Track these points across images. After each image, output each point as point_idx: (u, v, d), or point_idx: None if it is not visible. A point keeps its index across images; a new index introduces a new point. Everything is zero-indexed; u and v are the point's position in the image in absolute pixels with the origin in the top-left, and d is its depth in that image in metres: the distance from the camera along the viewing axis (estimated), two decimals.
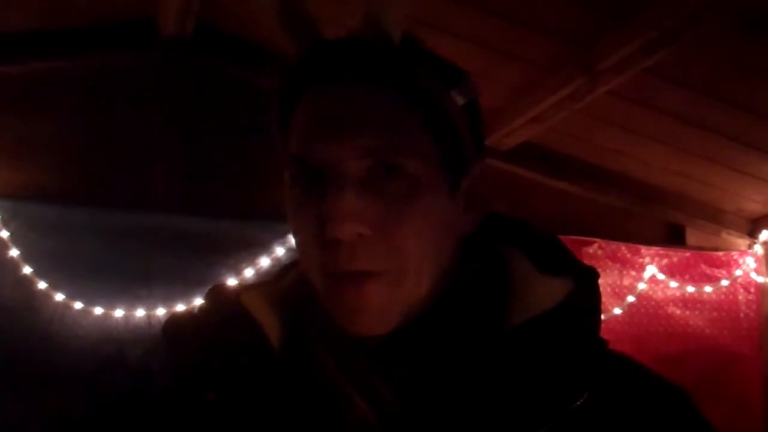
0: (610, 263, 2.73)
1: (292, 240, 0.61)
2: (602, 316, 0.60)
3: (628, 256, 2.76)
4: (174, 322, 0.65)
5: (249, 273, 2.37)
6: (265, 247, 2.40)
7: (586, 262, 0.63)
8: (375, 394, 0.56)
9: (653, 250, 2.79)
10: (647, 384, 0.60)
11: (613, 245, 2.75)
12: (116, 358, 2.22)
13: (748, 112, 2.17)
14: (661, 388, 0.59)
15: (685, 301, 2.77)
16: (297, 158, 0.58)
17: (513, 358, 0.56)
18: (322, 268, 0.57)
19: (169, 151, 2.44)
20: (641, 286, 2.73)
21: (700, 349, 2.73)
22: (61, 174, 2.34)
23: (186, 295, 2.28)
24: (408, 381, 0.56)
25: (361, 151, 0.56)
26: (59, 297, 2.23)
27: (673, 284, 2.75)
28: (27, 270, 2.21)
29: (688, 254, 2.82)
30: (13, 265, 2.21)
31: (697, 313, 2.77)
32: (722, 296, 2.80)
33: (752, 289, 2.83)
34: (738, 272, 2.82)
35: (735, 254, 2.86)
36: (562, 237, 0.65)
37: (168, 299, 2.29)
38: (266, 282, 0.70)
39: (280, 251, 2.39)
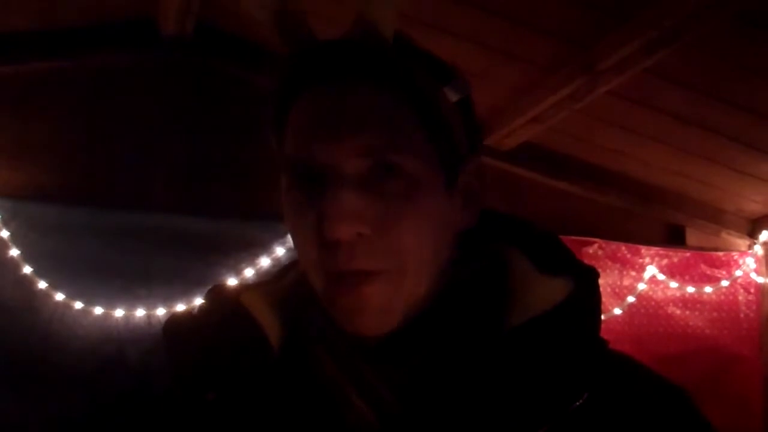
0: (610, 263, 2.73)
1: (291, 240, 0.61)
2: (602, 317, 0.60)
3: (628, 256, 2.76)
4: (174, 322, 0.65)
5: (249, 273, 2.37)
6: (265, 247, 2.40)
7: (586, 262, 0.63)
8: (374, 395, 0.56)
9: (653, 250, 2.79)
10: (647, 384, 0.60)
11: (613, 245, 2.75)
12: (116, 358, 2.22)
13: (748, 112, 2.17)
14: (661, 387, 0.60)
15: (685, 302, 2.77)
16: (295, 159, 0.58)
17: (513, 358, 0.56)
18: (321, 268, 0.57)
19: (169, 151, 2.43)
20: (641, 286, 2.73)
21: (700, 350, 2.73)
22: (61, 174, 2.34)
23: (186, 295, 2.28)
24: (408, 381, 0.56)
25: (359, 151, 0.56)
26: (59, 297, 2.23)
27: (673, 284, 2.75)
28: (27, 270, 2.21)
29: (688, 254, 2.82)
30: (13, 265, 2.20)
31: (697, 313, 2.77)
32: (722, 297, 2.80)
33: (752, 290, 2.83)
34: (738, 273, 2.81)
35: (735, 255, 2.86)
36: (562, 237, 0.65)
37: (168, 299, 2.29)
38: (266, 282, 0.70)
39: (280, 251, 2.39)
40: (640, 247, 2.78)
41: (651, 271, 2.74)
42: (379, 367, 0.57)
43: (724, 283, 2.79)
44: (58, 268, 2.24)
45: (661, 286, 2.76)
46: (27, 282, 2.21)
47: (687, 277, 2.78)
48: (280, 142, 0.61)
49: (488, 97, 2.36)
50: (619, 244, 2.76)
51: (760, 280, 2.83)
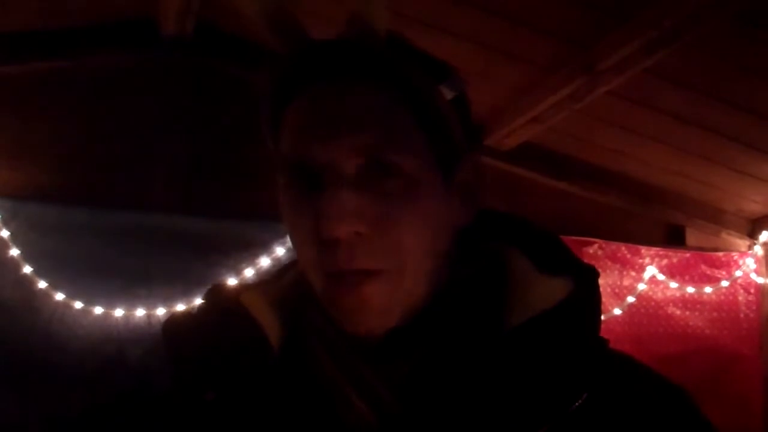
0: (610, 263, 2.73)
1: (290, 240, 0.61)
2: (602, 317, 0.60)
3: (628, 256, 2.76)
4: (173, 321, 0.65)
5: (249, 273, 2.37)
6: (265, 247, 2.40)
7: (586, 262, 0.63)
8: (374, 395, 0.56)
9: (653, 250, 2.79)
10: (647, 383, 0.60)
11: (613, 245, 2.75)
12: (116, 358, 2.22)
13: (748, 112, 2.17)
14: (661, 387, 0.59)
15: (685, 302, 2.77)
16: (292, 158, 0.58)
17: (512, 358, 0.56)
18: (320, 267, 0.57)
19: (169, 151, 2.43)
20: (641, 286, 2.73)
21: (700, 350, 2.73)
22: (61, 174, 2.34)
23: (186, 295, 2.28)
24: (407, 381, 0.56)
25: (356, 150, 0.56)
26: (59, 296, 2.23)
27: (673, 285, 2.75)
28: (27, 269, 2.21)
29: (688, 255, 2.82)
30: (14, 265, 2.20)
31: (697, 313, 2.77)
32: (722, 297, 2.80)
33: (752, 290, 2.83)
34: (738, 273, 2.82)
35: (735, 255, 2.86)
36: (562, 237, 0.65)
37: (168, 299, 2.29)
38: (266, 282, 0.70)
39: (280, 251, 2.39)
40: (640, 247, 2.78)
41: (651, 271, 2.74)
42: (379, 367, 0.57)
43: (724, 283, 2.79)
44: (58, 268, 2.24)
45: (661, 286, 2.76)
46: (27, 282, 2.21)
47: (687, 278, 2.78)
48: (276, 142, 0.61)
49: (488, 97, 2.36)
50: (619, 244, 2.76)
51: (760, 280, 2.83)
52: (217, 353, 0.61)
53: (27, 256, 2.22)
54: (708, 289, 2.77)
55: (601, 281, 0.61)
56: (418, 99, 0.58)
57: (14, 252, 2.21)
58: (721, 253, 2.86)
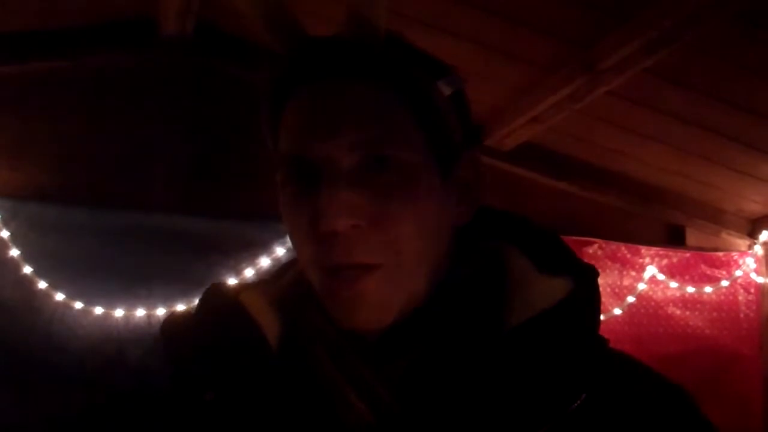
0: (610, 263, 2.73)
1: (289, 237, 0.61)
2: (602, 317, 0.60)
3: (628, 256, 2.76)
4: (172, 321, 0.65)
5: (249, 273, 2.37)
6: (265, 247, 2.40)
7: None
8: (372, 394, 0.56)
9: (653, 250, 2.79)
10: (647, 383, 0.60)
11: (613, 245, 2.75)
12: (116, 358, 2.22)
13: (748, 112, 2.17)
14: (661, 386, 0.59)
15: (685, 302, 2.77)
16: (290, 155, 0.59)
17: (511, 358, 0.56)
18: (318, 262, 0.57)
19: (169, 151, 2.43)
20: (641, 286, 2.73)
21: (700, 350, 2.73)
22: (61, 174, 2.34)
23: (186, 295, 2.28)
24: (406, 380, 0.56)
25: (354, 145, 0.56)
26: (59, 297, 2.23)
27: (673, 285, 2.75)
28: (27, 270, 2.21)
29: (688, 255, 2.82)
30: (14, 265, 2.20)
31: (697, 313, 2.77)
32: (722, 297, 2.80)
33: (752, 290, 2.83)
34: (738, 273, 2.82)
35: (735, 255, 2.86)
36: (562, 237, 0.65)
37: (168, 299, 2.29)
38: (265, 281, 0.70)
39: (280, 251, 2.39)
40: (640, 247, 2.78)
41: (651, 271, 2.74)
42: (378, 367, 0.57)
43: (724, 283, 2.79)
44: (58, 268, 2.24)
45: (661, 286, 2.76)
46: (27, 282, 2.21)
47: (687, 277, 2.78)
48: (275, 141, 0.61)
49: (488, 97, 2.36)
50: (619, 244, 2.76)
51: (760, 280, 2.83)
52: (216, 353, 0.61)
53: (27, 257, 2.22)
54: (708, 289, 2.77)
55: (601, 281, 0.61)
56: (417, 97, 0.58)
57: (14, 252, 2.21)
58: (721, 253, 2.86)
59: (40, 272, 2.22)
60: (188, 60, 2.49)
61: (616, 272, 2.73)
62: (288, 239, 0.62)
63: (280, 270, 0.70)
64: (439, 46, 0.63)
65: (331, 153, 0.56)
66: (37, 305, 2.21)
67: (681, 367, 2.51)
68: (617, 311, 2.67)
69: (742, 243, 2.89)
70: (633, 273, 2.75)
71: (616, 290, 2.71)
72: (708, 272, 2.81)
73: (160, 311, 2.28)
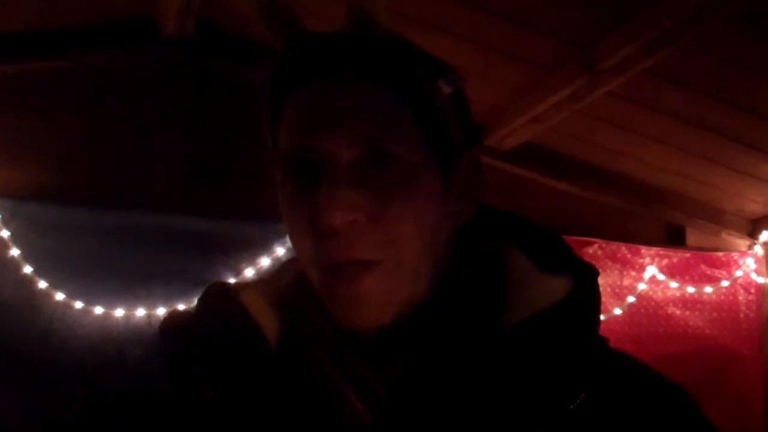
0: (610, 263, 2.73)
1: (288, 236, 0.61)
2: (602, 317, 0.60)
3: (628, 256, 2.76)
4: (172, 320, 0.65)
5: (249, 273, 2.37)
6: (265, 247, 2.40)
7: None
8: (371, 393, 0.56)
9: (653, 250, 2.79)
10: (647, 382, 0.60)
11: (613, 245, 2.75)
12: (116, 357, 2.22)
13: (748, 112, 2.17)
14: (661, 386, 0.59)
15: (685, 302, 2.77)
16: (289, 151, 0.59)
17: (510, 357, 0.56)
18: (317, 260, 0.57)
19: (169, 151, 2.43)
20: (641, 286, 2.73)
21: (700, 350, 2.73)
22: (61, 174, 2.34)
23: (186, 294, 2.28)
24: (404, 379, 0.56)
25: (353, 140, 0.56)
26: (59, 296, 2.23)
27: (673, 285, 2.75)
28: (27, 269, 2.21)
29: (688, 255, 2.82)
30: (14, 265, 2.20)
31: (697, 313, 2.77)
32: (722, 297, 2.80)
33: (752, 290, 2.83)
34: (738, 273, 2.82)
35: (735, 255, 2.86)
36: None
37: (168, 299, 2.29)
38: (265, 280, 0.70)
39: (280, 251, 2.39)
40: (640, 247, 2.78)
41: (651, 271, 2.74)
42: (377, 366, 0.57)
43: (724, 283, 2.79)
44: (58, 268, 2.24)
45: (661, 286, 2.76)
46: (27, 282, 2.21)
47: (687, 278, 2.78)
48: (274, 139, 0.61)
49: (488, 97, 2.36)
50: (619, 244, 2.76)
51: (760, 280, 2.83)
52: (216, 352, 0.61)
53: (27, 256, 2.22)
54: (708, 289, 2.77)
55: (601, 281, 0.61)
56: (417, 96, 0.58)
57: (14, 252, 2.21)
58: (721, 253, 2.86)
59: (40, 272, 2.22)
60: (188, 60, 2.49)
61: (616, 272, 2.73)
62: (288, 239, 0.61)
63: (280, 269, 0.70)
64: (439, 46, 0.63)
65: (331, 148, 0.56)
66: (37, 305, 2.21)
67: (681, 367, 2.51)
68: (617, 311, 2.67)
69: (743, 243, 2.89)
70: (633, 273, 2.75)
71: (616, 290, 2.71)
72: (708, 272, 2.81)
73: (161, 311, 2.28)
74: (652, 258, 2.78)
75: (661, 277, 2.74)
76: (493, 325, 0.58)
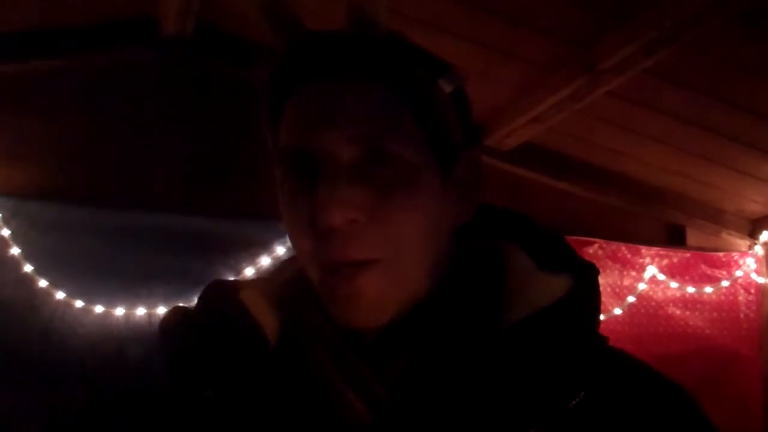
0: (610, 263, 2.73)
1: (288, 234, 0.61)
2: (602, 317, 0.60)
3: (629, 256, 2.76)
4: (171, 318, 0.64)
5: (249, 272, 2.37)
6: (265, 247, 2.40)
7: None
8: (371, 393, 0.56)
9: (653, 250, 2.79)
10: (646, 381, 0.59)
11: (614, 245, 2.75)
12: (117, 356, 2.22)
13: (748, 112, 2.17)
14: (661, 385, 0.59)
15: (686, 302, 2.77)
16: (288, 150, 0.59)
17: (510, 356, 0.55)
18: (317, 259, 0.57)
19: (169, 151, 2.43)
20: (641, 286, 2.73)
21: (700, 350, 2.73)
22: (61, 173, 2.34)
23: (186, 294, 2.28)
24: (404, 379, 0.56)
25: (353, 140, 0.56)
26: (60, 295, 2.23)
27: (674, 285, 2.75)
28: (28, 268, 2.21)
29: (688, 255, 2.82)
30: (14, 264, 2.20)
31: (697, 313, 2.77)
32: (722, 297, 2.80)
33: (752, 290, 2.83)
34: (738, 273, 2.82)
35: (735, 255, 2.86)
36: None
37: (168, 298, 2.29)
38: (265, 279, 0.70)
39: (280, 250, 2.39)
40: (641, 247, 2.78)
41: (651, 271, 2.74)
42: (377, 366, 0.57)
43: (725, 283, 2.79)
44: (58, 267, 2.24)
45: (662, 286, 2.76)
46: (27, 280, 2.21)
47: (687, 278, 2.78)
48: (274, 138, 0.61)
49: (488, 97, 2.36)
50: (619, 244, 2.76)
51: (761, 280, 2.83)
52: (216, 351, 0.61)
53: (27, 255, 2.22)
54: (708, 289, 2.77)
55: (601, 281, 0.61)
56: (417, 95, 0.58)
57: (15, 251, 2.21)
58: (721, 253, 2.86)
59: (40, 271, 2.22)
60: (188, 60, 2.50)
61: (617, 272, 2.73)
62: (288, 238, 0.61)
63: (280, 268, 0.70)
64: (439, 46, 0.63)
65: (330, 146, 0.56)
66: (37, 304, 2.21)
67: (681, 367, 2.51)
68: (617, 311, 2.67)
69: (743, 243, 2.90)
70: (633, 273, 2.75)
71: (617, 290, 2.71)
72: (708, 272, 2.81)
73: (161, 310, 2.28)
74: (653, 258, 2.78)
75: (661, 277, 2.74)
76: (493, 324, 0.58)
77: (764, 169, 2.50)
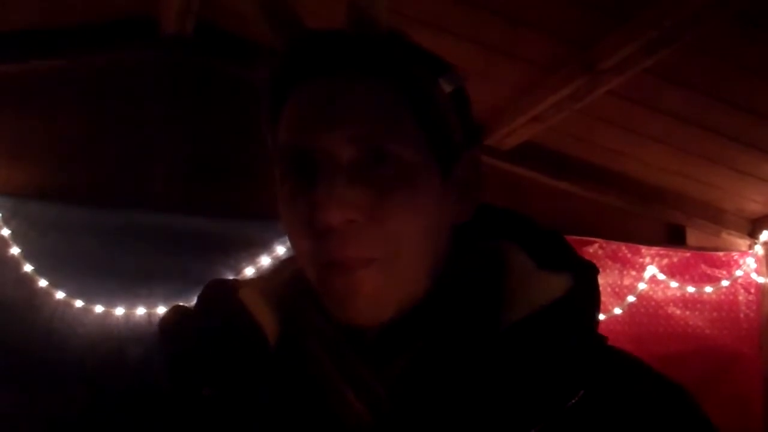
0: (610, 263, 2.73)
1: (286, 233, 0.61)
2: (602, 316, 0.60)
3: (629, 256, 2.76)
4: (171, 318, 0.64)
5: (249, 272, 2.37)
6: (265, 247, 2.40)
7: None
8: (370, 393, 0.56)
9: (653, 250, 2.79)
10: (646, 381, 0.59)
11: (614, 245, 2.75)
12: (117, 356, 2.22)
13: (748, 112, 2.17)
14: (660, 385, 0.59)
15: (686, 302, 2.77)
16: (288, 149, 0.58)
17: (509, 355, 0.55)
18: (314, 258, 0.57)
19: (169, 151, 2.44)
20: (641, 286, 2.73)
21: (700, 349, 2.73)
22: (61, 173, 2.34)
23: (186, 294, 2.28)
24: (404, 379, 0.56)
25: (352, 139, 0.56)
26: (60, 295, 2.23)
27: (674, 284, 2.75)
28: (28, 268, 2.21)
29: (688, 254, 2.82)
30: (14, 263, 2.20)
31: (697, 313, 2.77)
32: (722, 296, 2.80)
33: (752, 290, 2.83)
34: (738, 272, 2.82)
35: (735, 254, 2.86)
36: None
37: (168, 298, 2.28)
38: (264, 278, 0.70)
39: (280, 250, 2.39)
40: (641, 246, 2.78)
41: (651, 270, 2.74)
42: (376, 365, 0.57)
43: (725, 283, 2.79)
44: (58, 267, 2.24)
45: (662, 285, 2.76)
46: (27, 280, 2.21)
47: (687, 277, 2.78)
48: (274, 137, 0.61)
49: (488, 97, 2.36)
50: (619, 243, 2.76)
51: (761, 280, 2.83)
52: (215, 350, 0.61)
53: (27, 255, 2.22)
54: (708, 289, 2.77)
55: (601, 281, 0.61)
56: (418, 94, 0.58)
57: (15, 250, 2.21)
58: (721, 253, 2.86)
59: (40, 270, 2.22)
60: (188, 60, 2.50)
61: (617, 272, 2.73)
62: (287, 238, 0.61)
63: (279, 267, 0.70)
64: (439, 46, 0.63)
65: (330, 146, 0.56)
66: (37, 304, 2.21)
67: (681, 366, 2.51)
68: (617, 311, 2.67)
69: (743, 243, 2.90)
70: (633, 273, 2.75)
71: (617, 290, 2.71)
72: (708, 272, 2.81)
73: (161, 310, 2.28)
74: (653, 258, 2.78)
75: (661, 276, 2.74)
76: (492, 324, 0.58)
77: (764, 168, 2.50)
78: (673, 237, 2.92)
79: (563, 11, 1.87)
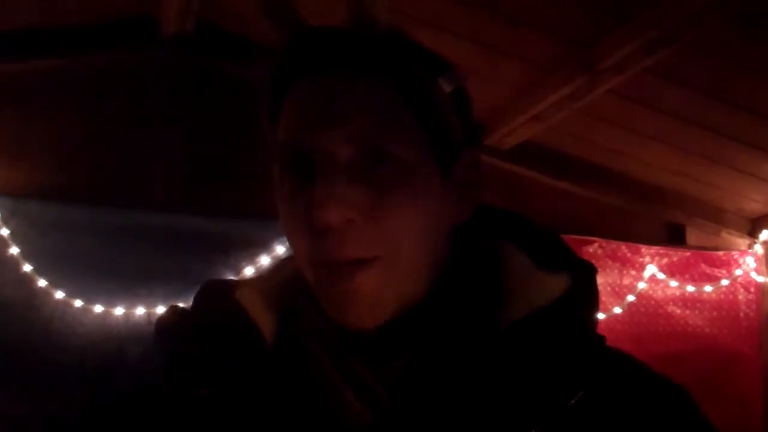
0: (610, 262, 2.73)
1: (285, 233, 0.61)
2: (602, 316, 0.60)
3: (629, 255, 2.76)
4: (168, 317, 0.64)
5: (249, 272, 2.37)
6: (265, 246, 2.40)
7: None
8: (370, 393, 0.56)
9: (653, 249, 2.79)
10: (645, 381, 0.59)
11: (614, 245, 2.75)
12: (116, 356, 2.22)
13: (748, 112, 2.17)
14: (660, 385, 0.59)
15: (685, 301, 2.77)
16: (286, 147, 0.58)
17: (508, 355, 0.55)
18: (312, 257, 0.57)
19: (169, 151, 2.44)
20: (641, 285, 2.73)
21: (700, 349, 2.73)
22: (61, 172, 2.34)
23: (186, 294, 2.27)
24: (404, 379, 0.56)
25: (351, 138, 0.56)
26: (59, 295, 2.23)
27: (673, 284, 2.75)
28: (27, 268, 2.21)
29: (688, 254, 2.82)
30: (14, 263, 2.20)
31: (697, 312, 2.77)
32: (722, 296, 2.80)
33: (752, 289, 2.83)
34: (738, 272, 2.82)
35: (735, 254, 2.86)
36: (562, 236, 0.64)
37: (168, 298, 2.28)
38: (262, 277, 0.70)
39: (280, 250, 2.39)
40: (641, 246, 2.78)
41: (651, 270, 2.74)
42: (376, 365, 0.57)
43: (724, 282, 2.79)
44: (58, 267, 2.24)
45: (661, 285, 2.76)
46: (27, 280, 2.21)
47: (687, 276, 2.78)
48: (273, 134, 0.61)
49: (488, 97, 2.36)
50: (619, 243, 2.76)
51: (760, 279, 2.83)
52: (212, 350, 0.61)
53: (27, 255, 2.22)
54: (708, 288, 2.77)
55: (601, 280, 0.61)
56: (418, 93, 0.58)
57: (14, 250, 2.21)
58: (721, 252, 2.86)
59: (40, 270, 2.22)
60: (188, 60, 2.50)
61: (617, 271, 2.73)
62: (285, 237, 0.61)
63: (277, 266, 0.70)
64: (440, 46, 0.63)
65: (329, 145, 0.56)
66: (37, 303, 2.21)
67: (681, 366, 2.51)
68: (617, 310, 2.67)
69: (743, 242, 2.90)
70: (633, 272, 2.74)
71: (616, 289, 2.71)
72: (708, 271, 2.81)
73: (160, 310, 2.28)
74: (652, 257, 2.78)
75: (661, 276, 2.74)
76: (492, 324, 0.58)
77: (764, 168, 2.50)
78: (672, 236, 2.92)
79: (563, 11, 1.87)
